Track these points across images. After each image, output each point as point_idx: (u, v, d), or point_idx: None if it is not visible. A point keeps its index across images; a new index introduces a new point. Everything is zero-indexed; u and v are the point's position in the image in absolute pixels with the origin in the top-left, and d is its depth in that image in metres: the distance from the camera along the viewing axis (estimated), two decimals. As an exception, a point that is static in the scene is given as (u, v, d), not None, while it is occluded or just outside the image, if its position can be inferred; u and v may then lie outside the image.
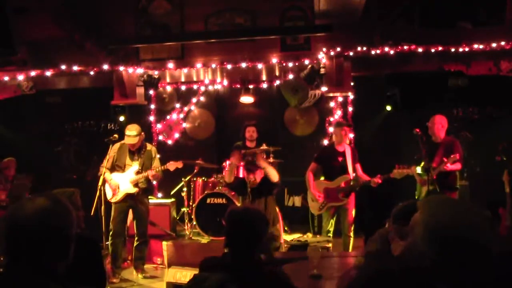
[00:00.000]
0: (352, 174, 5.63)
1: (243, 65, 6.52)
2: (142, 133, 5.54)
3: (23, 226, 1.57)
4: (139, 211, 5.54)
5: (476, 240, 1.34)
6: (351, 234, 5.64)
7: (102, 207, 5.21)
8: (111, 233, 5.41)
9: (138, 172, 5.46)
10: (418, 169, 5.47)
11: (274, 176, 5.37)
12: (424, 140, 5.38)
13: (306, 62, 6.33)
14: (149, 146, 5.68)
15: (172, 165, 5.56)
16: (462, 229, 1.35)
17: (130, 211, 5.58)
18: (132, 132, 5.41)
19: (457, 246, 1.34)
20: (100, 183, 5.19)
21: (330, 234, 5.79)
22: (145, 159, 5.55)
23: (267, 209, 5.24)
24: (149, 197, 6.94)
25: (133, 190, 5.44)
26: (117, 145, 5.55)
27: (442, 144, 5.44)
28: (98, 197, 5.19)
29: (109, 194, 5.44)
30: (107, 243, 5.39)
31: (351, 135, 6.74)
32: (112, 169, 5.51)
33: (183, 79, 7.01)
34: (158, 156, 5.75)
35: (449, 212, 1.40)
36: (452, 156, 5.20)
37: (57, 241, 1.59)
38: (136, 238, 5.57)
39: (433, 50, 5.96)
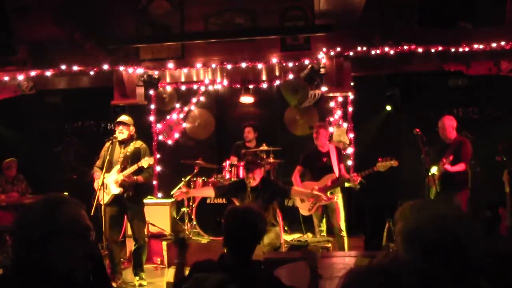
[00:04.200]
0: (337, 173, 5.68)
1: (243, 65, 6.51)
2: (132, 127, 5.37)
3: (31, 228, 1.58)
4: (130, 215, 5.35)
5: (457, 238, 1.32)
6: (343, 233, 5.67)
7: (102, 207, 5.18)
8: (104, 239, 5.23)
9: (119, 171, 5.22)
10: (433, 169, 5.48)
11: (210, 195, 5.49)
12: (424, 140, 5.42)
13: (306, 62, 6.33)
14: (139, 144, 5.39)
15: (145, 162, 5.24)
16: (439, 230, 1.33)
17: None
18: (123, 117, 5.31)
19: (437, 248, 1.32)
20: (100, 182, 5.14)
21: (324, 234, 5.82)
22: (131, 157, 5.27)
23: (267, 209, 5.24)
24: (149, 197, 6.99)
25: (117, 190, 5.20)
26: (108, 143, 5.36)
27: (452, 144, 5.47)
28: (97, 197, 5.17)
29: (100, 196, 5.17)
30: (107, 243, 5.34)
31: (351, 135, 6.76)
32: (107, 169, 5.26)
33: (183, 79, 7.01)
34: (146, 161, 5.20)
35: (423, 216, 1.37)
36: (448, 157, 5.25)
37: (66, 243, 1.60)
38: (134, 243, 5.43)
39: (433, 50, 5.96)
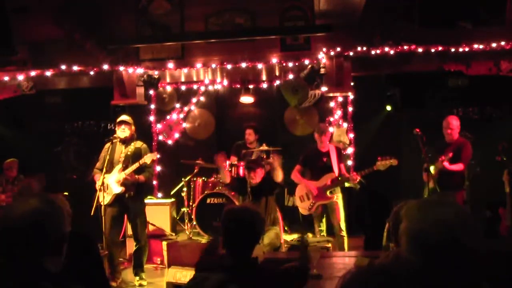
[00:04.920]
0: (337, 172, 5.68)
1: (243, 65, 6.51)
2: (133, 126, 5.39)
3: (15, 226, 1.58)
4: (132, 215, 5.35)
5: (459, 241, 1.31)
6: (343, 233, 5.67)
7: (102, 207, 5.17)
8: (103, 243, 5.16)
9: (121, 170, 5.22)
10: (432, 168, 5.49)
11: (279, 176, 5.41)
12: (424, 140, 5.42)
13: (306, 62, 6.33)
14: (139, 144, 5.41)
15: (148, 158, 5.28)
16: (443, 232, 1.32)
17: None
18: (125, 116, 5.32)
19: (440, 251, 1.31)
20: (100, 182, 5.14)
21: (324, 234, 5.82)
22: (132, 157, 5.29)
23: (267, 209, 5.25)
24: (149, 197, 6.99)
25: (119, 190, 5.20)
26: (108, 144, 5.36)
27: (453, 144, 5.48)
28: (97, 198, 5.17)
29: (101, 197, 5.15)
30: (107, 243, 5.32)
31: (351, 135, 6.76)
32: (108, 170, 5.24)
33: (183, 79, 7.01)
34: (150, 157, 5.27)
35: (429, 218, 1.36)
36: (448, 154, 5.25)
37: (49, 241, 1.60)
38: (134, 243, 5.42)
39: (433, 50, 5.96)
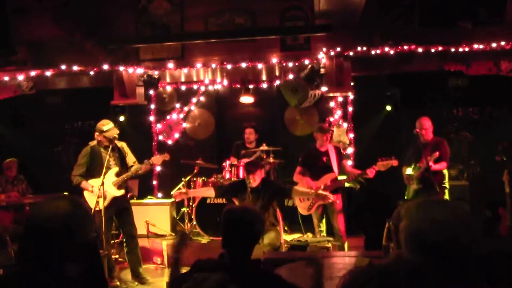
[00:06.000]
0: (337, 172, 5.67)
1: (243, 65, 6.52)
2: None
3: (42, 227, 1.57)
4: (125, 214, 5.34)
5: (458, 241, 1.32)
6: (343, 234, 5.66)
7: (102, 208, 5.17)
8: (104, 244, 5.07)
9: (118, 174, 5.22)
10: (409, 170, 5.51)
11: (210, 195, 5.54)
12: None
13: (306, 62, 6.33)
14: (119, 143, 5.40)
15: (158, 159, 5.31)
16: (442, 232, 1.32)
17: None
18: (109, 124, 5.22)
19: (439, 250, 1.31)
20: (100, 183, 5.12)
21: (324, 234, 5.82)
22: (121, 158, 5.32)
23: (267, 210, 5.23)
24: (149, 197, 7.00)
25: (120, 192, 5.22)
26: (86, 149, 5.28)
27: (430, 144, 5.49)
28: (97, 198, 5.16)
29: (92, 203, 5.05)
30: (106, 245, 5.31)
31: (351, 135, 6.76)
32: (89, 175, 5.19)
33: (183, 79, 7.01)
34: (159, 158, 5.45)
35: (428, 217, 1.37)
36: (433, 154, 5.25)
37: (73, 246, 1.59)
38: (125, 244, 5.37)
39: (433, 50, 5.96)
